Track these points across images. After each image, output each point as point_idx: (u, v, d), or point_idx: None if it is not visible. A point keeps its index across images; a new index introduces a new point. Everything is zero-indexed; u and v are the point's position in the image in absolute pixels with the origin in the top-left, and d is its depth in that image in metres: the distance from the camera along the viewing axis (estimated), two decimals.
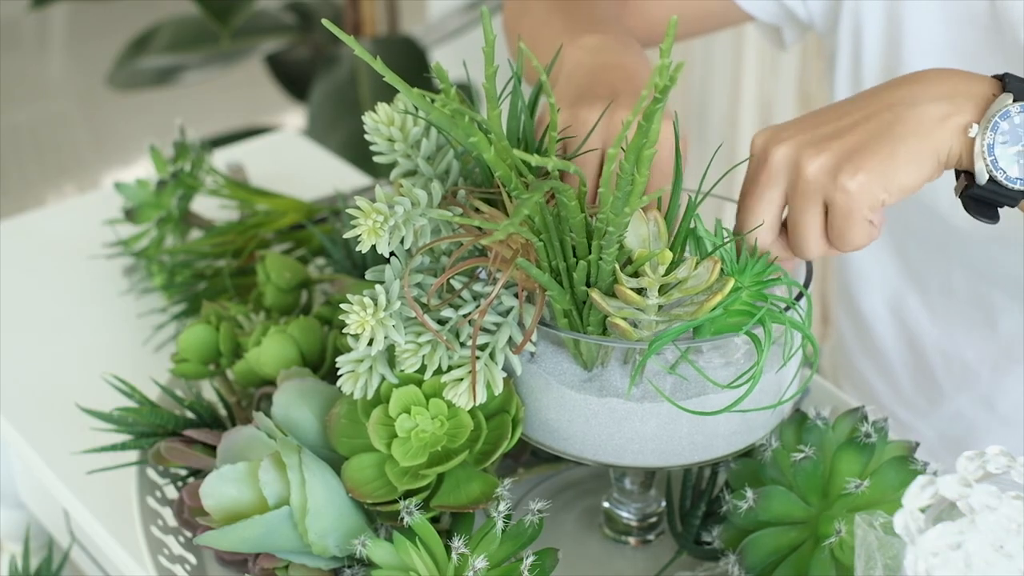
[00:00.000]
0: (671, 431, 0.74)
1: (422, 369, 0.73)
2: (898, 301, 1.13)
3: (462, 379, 0.73)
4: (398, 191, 0.73)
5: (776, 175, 0.73)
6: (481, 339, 0.74)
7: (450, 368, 0.74)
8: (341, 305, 0.71)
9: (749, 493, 0.76)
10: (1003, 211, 0.74)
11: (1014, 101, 0.71)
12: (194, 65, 2.41)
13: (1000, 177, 0.71)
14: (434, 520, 0.75)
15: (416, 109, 0.76)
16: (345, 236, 0.70)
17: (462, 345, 0.74)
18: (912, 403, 1.15)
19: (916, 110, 0.72)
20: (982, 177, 0.72)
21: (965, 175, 0.73)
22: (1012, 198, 0.72)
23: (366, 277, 0.75)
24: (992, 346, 1.07)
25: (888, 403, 1.17)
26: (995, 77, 0.73)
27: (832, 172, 0.71)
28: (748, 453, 0.79)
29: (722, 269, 0.71)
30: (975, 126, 0.71)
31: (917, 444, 0.79)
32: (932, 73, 0.74)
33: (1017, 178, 0.72)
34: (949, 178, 0.76)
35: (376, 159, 0.77)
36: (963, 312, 1.08)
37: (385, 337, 0.71)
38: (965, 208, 0.74)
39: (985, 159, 0.71)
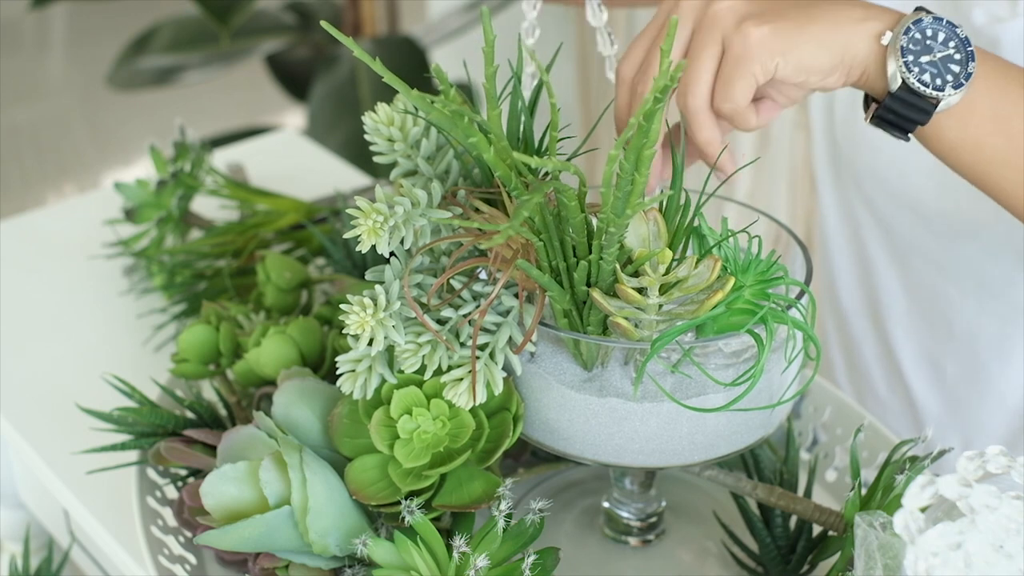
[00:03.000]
0: (671, 431, 0.74)
1: (422, 369, 0.73)
2: (869, 296, 1.13)
3: (462, 379, 0.73)
4: (398, 191, 0.73)
5: (688, 12, 0.73)
6: (481, 339, 0.74)
7: (450, 368, 0.74)
8: (341, 305, 0.71)
9: None
10: (957, 199, 0.74)
11: (927, 15, 0.72)
12: (194, 65, 2.42)
13: (913, 81, 0.72)
14: (435, 519, 0.75)
15: (416, 109, 0.76)
16: (345, 236, 0.70)
17: (462, 345, 0.74)
18: (886, 402, 1.16)
19: (836, 6, 0.73)
20: (895, 82, 0.72)
21: (876, 102, 0.74)
22: (924, 111, 0.72)
23: (366, 277, 0.75)
24: (951, 343, 1.08)
25: (861, 401, 1.18)
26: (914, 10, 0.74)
27: (741, 16, 0.72)
28: None
29: (724, 267, 0.71)
30: (888, 33, 0.72)
31: None
32: None
33: (930, 83, 0.72)
34: (922, 165, 0.76)
35: (376, 159, 0.77)
36: (922, 306, 1.08)
37: (385, 337, 0.71)
38: (879, 126, 0.74)
39: (899, 60, 0.71)
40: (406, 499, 0.73)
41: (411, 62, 2.26)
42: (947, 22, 0.73)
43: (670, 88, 0.63)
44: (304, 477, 0.73)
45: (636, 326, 0.71)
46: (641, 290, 0.70)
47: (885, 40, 0.72)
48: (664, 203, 0.73)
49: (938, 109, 0.73)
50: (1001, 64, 0.75)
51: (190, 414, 0.86)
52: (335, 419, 0.78)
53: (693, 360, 0.71)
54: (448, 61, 2.51)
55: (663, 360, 0.72)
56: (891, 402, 1.16)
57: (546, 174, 0.73)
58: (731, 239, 0.73)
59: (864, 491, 0.76)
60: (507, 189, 0.70)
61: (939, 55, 0.72)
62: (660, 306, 0.70)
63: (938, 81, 0.72)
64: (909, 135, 0.75)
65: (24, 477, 1.11)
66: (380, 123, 0.75)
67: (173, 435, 0.84)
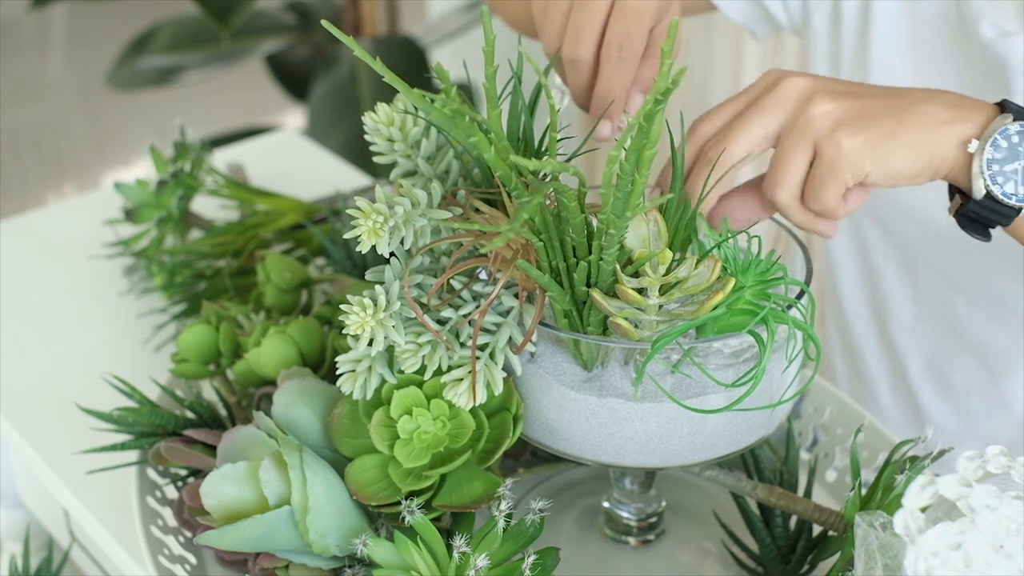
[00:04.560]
0: (671, 431, 0.74)
1: (422, 369, 0.73)
2: (874, 303, 1.13)
3: (462, 379, 0.73)
4: (398, 191, 0.73)
5: (782, 102, 0.73)
6: (481, 339, 0.74)
7: (450, 368, 0.74)
8: (341, 306, 0.71)
9: None
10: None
11: (1013, 121, 0.72)
12: (194, 65, 2.42)
13: (997, 192, 0.72)
14: (435, 519, 0.75)
15: (416, 109, 0.76)
16: (345, 236, 0.70)
17: (462, 345, 0.74)
18: (889, 411, 1.16)
19: (925, 107, 0.73)
20: (979, 192, 0.73)
21: (960, 195, 0.75)
22: (1006, 216, 0.73)
23: (366, 277, 0.75)
24: (958, 352, 1.08)
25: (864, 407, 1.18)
26: (995, 104, 0.74)
27: (835, 123, 0.72)
28: None
29: (724, 268, 0.71)
30: (975, 141, 0.72)
31: None
32: (943, 90, 0.75)
33: (1013, 194, 0.73)
34: (931, 183, 0.76)
35: (376, 159, 0.77)
36: (928, 317, 1.08)
37: (385, 337, 0.71)
38: (960, 226, 0.75)
39: (984, 174, 0.72)
40: (406, 499, 0.73)
41: (411, 62, 2.26)
42: None
43: (671, 91, 0.63)
44: (304, 477, 0.73)
45: (636, 326, 0.71)
46: (641, 291, 0.70)
47: (971, 148, 0.72)
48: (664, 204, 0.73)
49: (1022, 215, 0.73)
50: None
51: (190, 414, 0.86)
52: (335, 419, 0.78)
53: (694, 360, 0.71)
54: (448, 61, 2.51)
55: (663, 360, 0.72)
56: (894, 410, 1.16)
57: (546, 175, 0.73)
58: (731, 239, 0.73)
59: (864, 491, 0.76)
60: (507, 189, 0.70)
61: None
62: (660, 307, 0.70)
63: (1022, 190, 0.73)
64: (991, 234, 0.75)
65: (24, 477, 1.11)
66: (380, 123, 0.75)
67: (173, 435, 0.84)
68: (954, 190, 0.75)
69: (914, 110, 0.73)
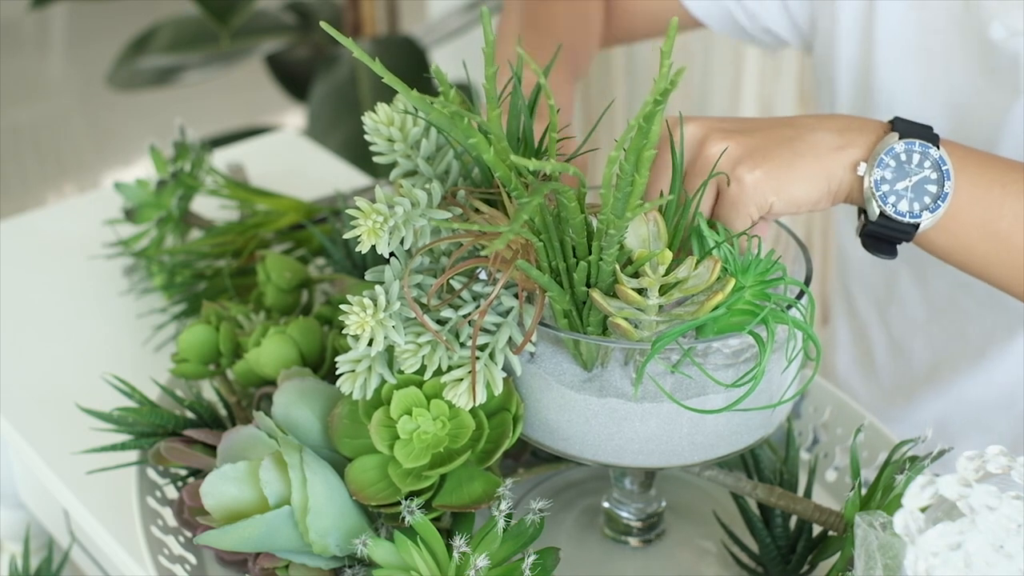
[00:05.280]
0: (671, 431, 0.74)
1: (422, 370, 0.73)
2: (884, 303, 1.13)
3: (462, 379, 0.73)
4: (398, 191, 0.73)
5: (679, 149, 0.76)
6: (481, 339, 0.74)
7: (450, 368, 0.74)
8: (341, 306, 0.71)
9: None
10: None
11: (900, 139, 0.74)
12: (194, 65, 2.42)
13: (890, 212, 0.74)
14: (435, 519, 0.75)
15: (416, 110, 0.76)
16: (345, 236, 0.70)
17: (462, 345, 0.74)
18: (888, 410, 1.16)
19: (815, 135, 0.75)
20: (873, 214, 0.75)
21: (863, 214, 0.76)
22: (906, 232, 0.75)
23: (366, 277, 0.75)
24: (965, 355, 1.08)
25: (867, 407, 1.18)
26: (888, 122, 0.76)
27: (733, 161, 0.74)
28: None
29: (724, 268, 0.71)
30: (863, 164, 0.74)
31: None
32: (829, 115, 0.78)
33: (907, 211, 0.75)
34: None
35: (376, 159, 0.77)
36: (938, 318, 1.09)
37: (385, 338, 0.71)
38: (864, 247, 0.77)
39: (875, 195, 0.74)
40: (406, 499, 0.73)
41: (411, 62, 2.26)
42: (919, 142, 0.75)
43: (670, 91, 0.63)
44: (304, 477, 0.73)
45: (636, 327, 0.71)
46: (641, 291, 0.70)
47: (860, 171, 0.75)
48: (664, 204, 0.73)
49: (920, 230, 0.75)
50: (982, 166, 0.77)
51: (190, 414, 0.86)
52: (335, 419, 0.78)
53: (693, 360, 0.71)
54: (448, 61, 2.51)
55: (663, 360, 0.72)
56: (896, 407, 1.16)
57: (546, 175, 0.73)
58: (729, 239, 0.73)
59: (864, 491, 0.76)
60: (507, 190, 0.70)
61: (915, 178, 0.75)
62: (660, 307, 0.70)
63: (915, 207, 0.75)
64: (897, 250, 0.77)
65: (24, 477, 1.11)
66: (380, 123, 0.75)
67: (173, 435, 0.84)
68: (860, 211, 0.77)
69: (804, 140, 0.75)
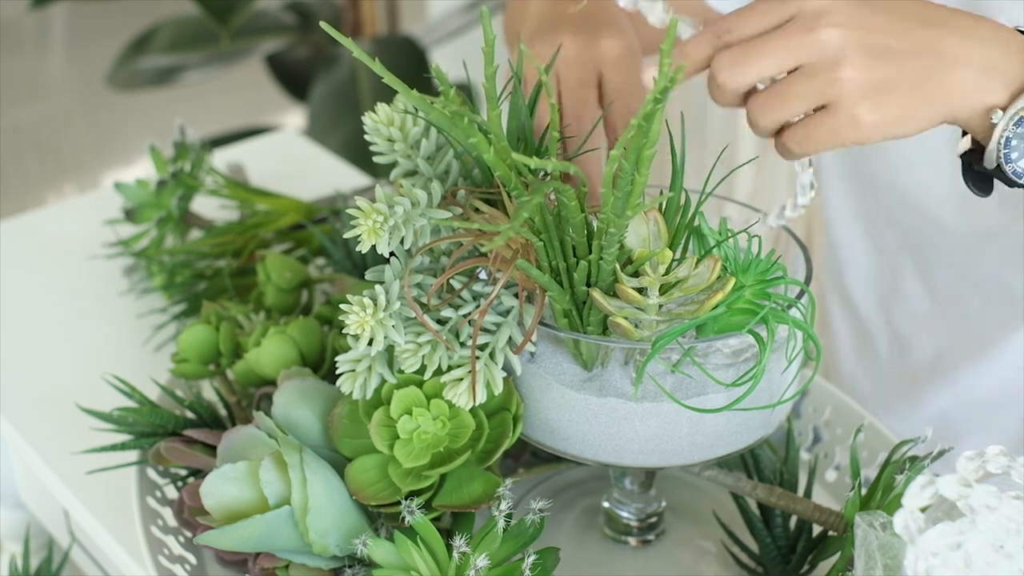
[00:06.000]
0: (671, 431, 0.74)
1: (422, 369, 0.73)
2: (886, 297, 1.13)
3: (462, 379, 0.73)
4: (398, 191, 0.73)
5: (812, 50, 0.69)
6: (481, 339, 0.74)
7: (450, 368, 0.74)
8: (341, 305, 0.71)
9: None
10: (986, 206, 0.73)
11: None
12: (194, 65, 2.42)
13: (1008, 169, 0.71)
14: (435, 519, 0.75)
15: (416, 110, 0.76)
16: (345, 236, 0.70)
17: (462, 345, 0.74)
18: (894, 404, 1.16)
19: (953, 73, 0.69)
20: (991, 162, 0.71)
21: (974, 145, 0.72)
22: (1009, 184, 0.72)
23: (366, 277, 0.75)
24: (969, 348, 1.08)
25: (870, 406, 1.18)
26: None
27: (860, 94, 0.68)
28: None
29: (724, 268, 0.71)
30: (999, 112, 0.70)
31: None
32: (983, 28, 0.71)
33: (1023, 173, 0.71)
34: (940, 180, 0.76)
35: (376, 159, 0.77)
36: (943, 313, 1.08)
37: (385, 337, 0.71)
38: (964, 175, 0.73)
39: (1000, 149, 0.70)
40: (406, 499, 0.73)
41: (411, 62, 2.26)
42: None
43: (670, 89, 0.63)
44: (304, 477, 0.73)
45: (636, 326, 0.71)
46: (641, 290, 0.70)
47: (995, 119, 0.70)
48: (664, 203, 0.73)
49: None
50: None
51: (190, 414, 0.86)
52: (335, 419, 0.78)
53: (694, 360, 0.71)
54: (448, 61, 2.51)
55: (663, 360, 0.72)
56: (898, 405, 1.16)
57: (546, 174, 0.73)
58: (731, 239, 0.73)
59: (864, 491, 0.76)
60: (507, 189, 0.70)
61: None
62: (660, 306, 0.70)
63: None
64: (992, 187, 0.73)
65: (24, 477, 1.11)
66: (380, 123, 0.75)
67: (173, 435, 0.84)
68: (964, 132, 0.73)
69: (940, 80, 0.69)
